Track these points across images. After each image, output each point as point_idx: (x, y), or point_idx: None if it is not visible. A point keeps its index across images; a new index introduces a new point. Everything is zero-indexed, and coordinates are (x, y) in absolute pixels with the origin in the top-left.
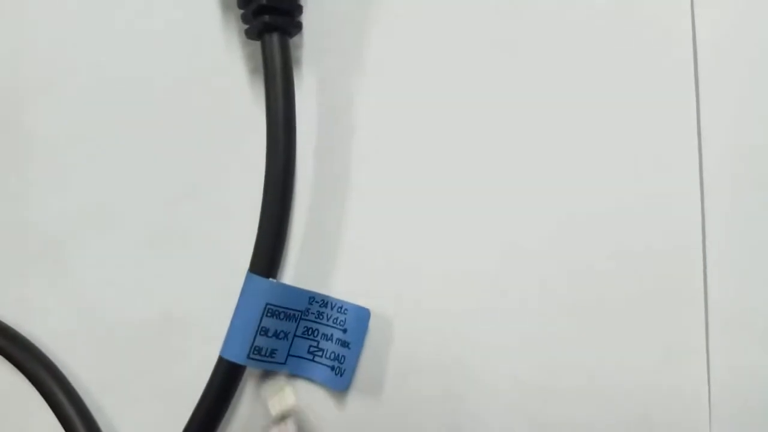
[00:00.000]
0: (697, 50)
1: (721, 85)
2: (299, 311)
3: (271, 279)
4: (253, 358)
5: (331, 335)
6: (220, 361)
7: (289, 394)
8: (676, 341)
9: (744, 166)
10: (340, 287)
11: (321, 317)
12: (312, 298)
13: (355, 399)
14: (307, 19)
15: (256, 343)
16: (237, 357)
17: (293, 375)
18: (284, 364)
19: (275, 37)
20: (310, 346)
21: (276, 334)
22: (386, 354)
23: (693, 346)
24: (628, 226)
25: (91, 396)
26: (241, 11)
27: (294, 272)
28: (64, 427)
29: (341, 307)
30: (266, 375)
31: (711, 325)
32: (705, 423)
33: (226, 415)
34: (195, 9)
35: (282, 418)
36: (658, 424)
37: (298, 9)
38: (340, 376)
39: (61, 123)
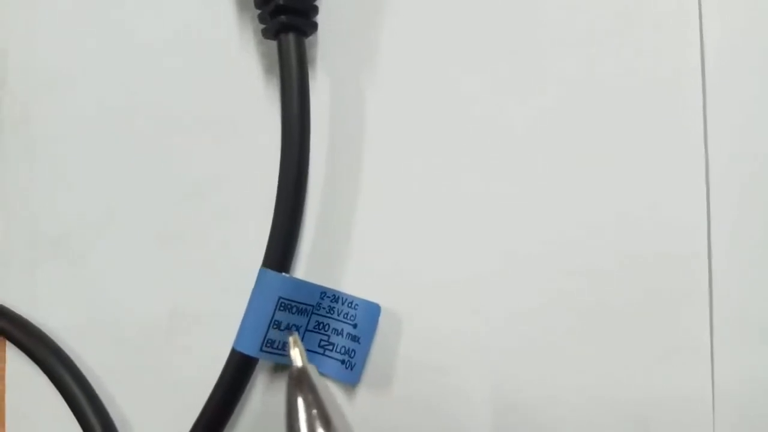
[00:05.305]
0: (705, 55)
1: (728, 90)
2: (311, 306)
3: (283, 273)
4: (265, 351)
5: (342, 330)
6: (233, 353)
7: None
8: (681, 344)
9: (750, 169)
10: (351, 283)
11: (332, 312)
12: (323, 293)
13: (364, 392)
14: (321, 19)
15: (268, 336)
16: (250, 349)
17: None
18: None
19: (291, 37)
20: (321, 340)
21: (288, 328)
22: (395, 349)
23: (697, 349)
24: (634, 229)
25: (104, 389)
26: (258, 11)
27: (305, 267)
28: (77, 417)
29: (352, 303)
30: (277, 368)
31: (716, 329)
32: (709, 426)
33: (238, 407)
34: (211, 8)
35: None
36: (661, 427)
37: (314, 9)
38: (350, 369)
39: (72, 120)
